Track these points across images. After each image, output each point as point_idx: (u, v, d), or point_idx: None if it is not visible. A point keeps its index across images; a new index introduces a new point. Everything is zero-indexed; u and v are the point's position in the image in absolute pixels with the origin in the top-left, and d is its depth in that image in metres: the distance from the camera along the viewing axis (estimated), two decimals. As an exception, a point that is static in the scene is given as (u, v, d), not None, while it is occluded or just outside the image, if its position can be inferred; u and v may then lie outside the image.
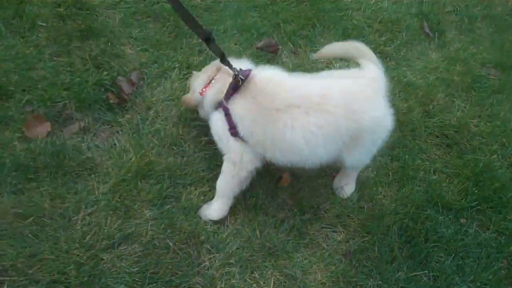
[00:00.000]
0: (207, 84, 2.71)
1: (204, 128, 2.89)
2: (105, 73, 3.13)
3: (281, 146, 2.52)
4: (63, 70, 3.10)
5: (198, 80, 2.79)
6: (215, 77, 2.70)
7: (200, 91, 2.72)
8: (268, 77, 2.58)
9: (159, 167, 2.85)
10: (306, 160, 2.57)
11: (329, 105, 2.43)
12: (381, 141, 2.67)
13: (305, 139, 2.47)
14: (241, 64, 2.65)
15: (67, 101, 2.96)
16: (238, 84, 2.53)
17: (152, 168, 2.83)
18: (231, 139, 2.59)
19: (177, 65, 3.29)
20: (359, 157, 2.69)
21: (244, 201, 2.81)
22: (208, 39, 2.54)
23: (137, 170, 2.78)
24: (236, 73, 2.53)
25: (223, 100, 2.58)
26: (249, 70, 2.57)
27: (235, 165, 2.63)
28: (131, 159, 2.83)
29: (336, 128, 2.47)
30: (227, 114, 2.57)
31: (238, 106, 2.55)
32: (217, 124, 2.64)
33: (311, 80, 2.61)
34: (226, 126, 2.58)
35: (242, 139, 2.57)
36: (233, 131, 2.56)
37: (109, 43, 3.29)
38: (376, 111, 2.53)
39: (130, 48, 3.35)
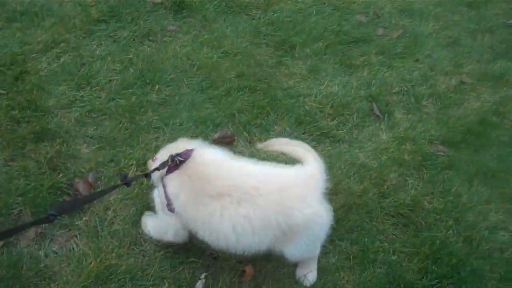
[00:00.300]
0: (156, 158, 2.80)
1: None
2: (61, 175, 3.15)
3: (210, 231, 2.54)
4: (17, 175, 3.11)
5: (161, 151, 2.85)
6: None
7: (152, 160, 2.82)
8: (209, 160, 2.62)
9: (120, 270, 2.83)
10: (235, 248, 2.56)
11: (262, 198, 2.44)
12: (318, 237, 2.70)
13: (233, 229, 2.47)
14: (194, 144, 2.74)
15: (22, 208, 2.95)
16: (176, 164, 2.59)
17: (113, 272, 2.81)
18: (168, 213, 2.64)
19: (134, 162, 3.33)
20: (297, 251, 2.67)
21: (207, 299, 2.81)
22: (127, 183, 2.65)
23: (97, 275, 2.76)
24: (173, 155, 2.60)
25: (164, 176, 2.64)
26: (191, 150, 2.63)
27: (168, 233, 2.75)
28: (90, 263, 2.81)
29: (266, 222, 2.46)
30: (165, 190, 2.62)
31: (174, 183, 2.60)
32: (156, 197, 2.76)
33: (250, 167, 2.63)
34: (164, 200, 2.63)
35: (177, 214, 2.61)
36: (169, 206, 2.61)
37: (65, 144, 3.32)
38: (310, 208, 2.51)
39: (86, 148, 3.38)
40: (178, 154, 2.60)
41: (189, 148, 2.66)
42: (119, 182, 2.80)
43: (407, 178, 3.71)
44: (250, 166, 2.64)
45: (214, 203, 2.47)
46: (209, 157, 2.65)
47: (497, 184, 3.79)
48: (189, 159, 2.60)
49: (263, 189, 2.46)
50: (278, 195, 2.47)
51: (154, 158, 2.80)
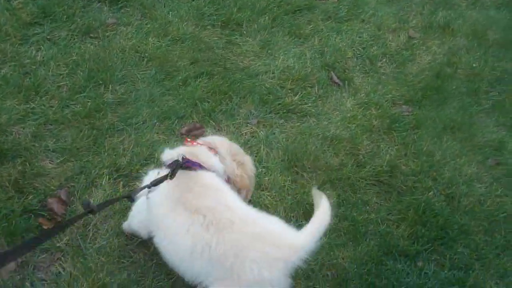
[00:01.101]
0: None
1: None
2: (31, 197, 3.01)
3: (170, 240, 2.43)
4: (-17, 204, 2.95)
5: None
6: None
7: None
8: (206, 183, 2.51)
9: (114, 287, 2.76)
10: (185, 269, 2.43)
11: (231, 234, 2.31)
12: None
13: (192, 248, 2.34)
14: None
15: (-4, 238, 2.81)
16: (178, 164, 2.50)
17: (108, 290, 2.74)
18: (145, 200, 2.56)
19: (105, 170, 3.22)
20: None
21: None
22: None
23: (93, 298, 2.69)
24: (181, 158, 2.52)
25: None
26: (198, 165, 2.55)
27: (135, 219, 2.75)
28: (82, 286, 2.72)
29: (222, 259, 2.30)
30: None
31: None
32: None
33: (239, 204, 2.49)
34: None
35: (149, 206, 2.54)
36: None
37: (27, 163, 3.16)
38: (269, 274, 2.28)
39: (50, 163, 3.23)
40: (186, 161, 2.52)
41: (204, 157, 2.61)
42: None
43: (380, 143, 3.79)
44: (240, 203, 2.50)
45: (186, 216, 2.37)
46: (207, 181, 2.52)
47: (465, 137, 3.95)
48: (192, 171, 2.51)
49: (237, 226, 2.32)
50: (248, 240, 2.31)
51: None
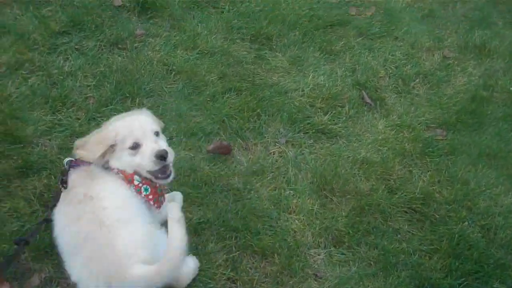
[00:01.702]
0: None
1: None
2: (56, 211, 3.04)
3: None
4: (9, 217, 2.99)
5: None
6: None
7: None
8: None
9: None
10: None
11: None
12: None
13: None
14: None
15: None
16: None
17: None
18: None
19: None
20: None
21: None
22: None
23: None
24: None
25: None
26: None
27: None
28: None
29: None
30: None
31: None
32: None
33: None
34: None
35: None
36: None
37: (52, 176, 3.21)
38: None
39: (75, 177, 3.27)
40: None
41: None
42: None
43: (412, 168, 3.78)
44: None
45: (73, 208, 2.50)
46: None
47: (501, 165, 3.92)
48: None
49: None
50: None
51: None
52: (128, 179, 2.67)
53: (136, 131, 2.69)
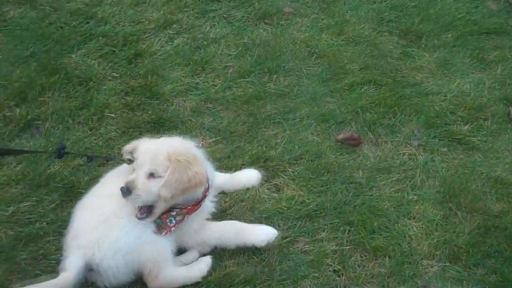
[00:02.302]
0: None
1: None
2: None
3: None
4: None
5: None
6: None
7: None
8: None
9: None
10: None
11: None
12: None
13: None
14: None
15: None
16: None
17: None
18: None
19: (248, 160, 3.33)
20: None
21: None
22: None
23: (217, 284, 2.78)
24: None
25: None
26: None
27: None
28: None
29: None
30: None
31: None
32: None
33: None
34: None
35: None
36: None
37: (181, 136, 3.33)
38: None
39: (202, 140, 3.39)
40: None
41: None
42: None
43: (552, 196, 3.54)
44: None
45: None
46: None
47: None
48: None
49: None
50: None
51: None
52: None
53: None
